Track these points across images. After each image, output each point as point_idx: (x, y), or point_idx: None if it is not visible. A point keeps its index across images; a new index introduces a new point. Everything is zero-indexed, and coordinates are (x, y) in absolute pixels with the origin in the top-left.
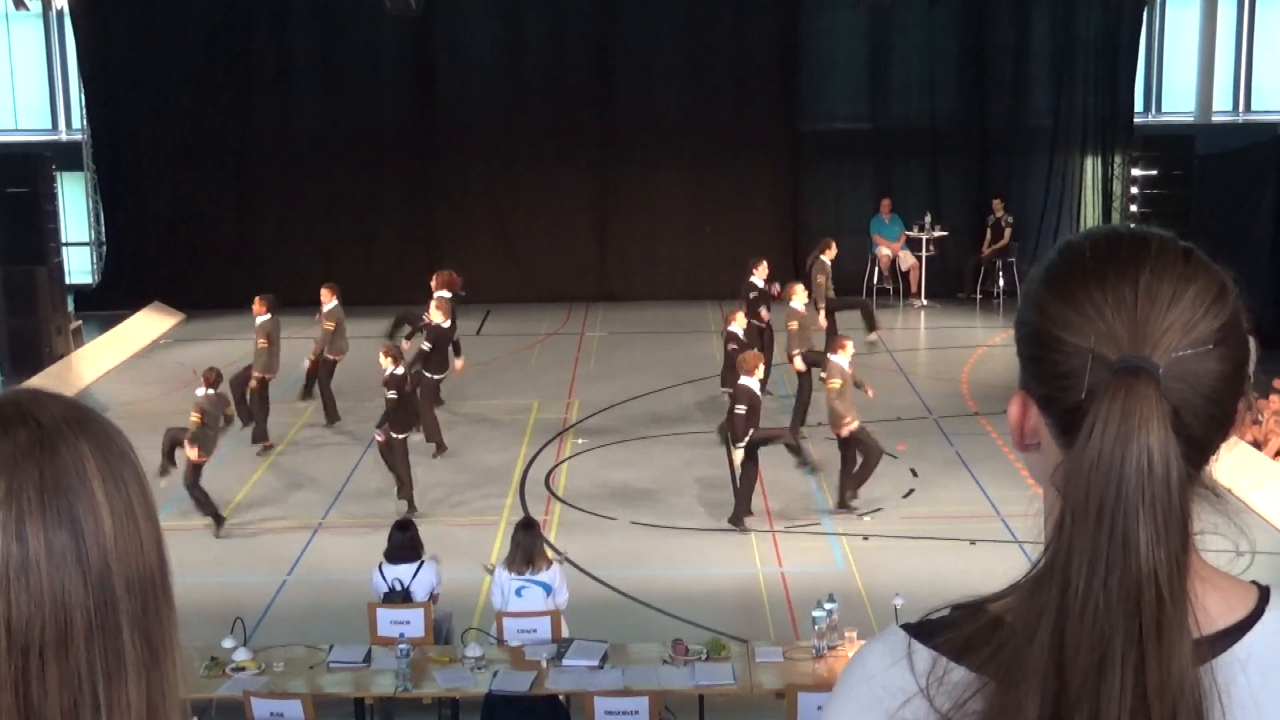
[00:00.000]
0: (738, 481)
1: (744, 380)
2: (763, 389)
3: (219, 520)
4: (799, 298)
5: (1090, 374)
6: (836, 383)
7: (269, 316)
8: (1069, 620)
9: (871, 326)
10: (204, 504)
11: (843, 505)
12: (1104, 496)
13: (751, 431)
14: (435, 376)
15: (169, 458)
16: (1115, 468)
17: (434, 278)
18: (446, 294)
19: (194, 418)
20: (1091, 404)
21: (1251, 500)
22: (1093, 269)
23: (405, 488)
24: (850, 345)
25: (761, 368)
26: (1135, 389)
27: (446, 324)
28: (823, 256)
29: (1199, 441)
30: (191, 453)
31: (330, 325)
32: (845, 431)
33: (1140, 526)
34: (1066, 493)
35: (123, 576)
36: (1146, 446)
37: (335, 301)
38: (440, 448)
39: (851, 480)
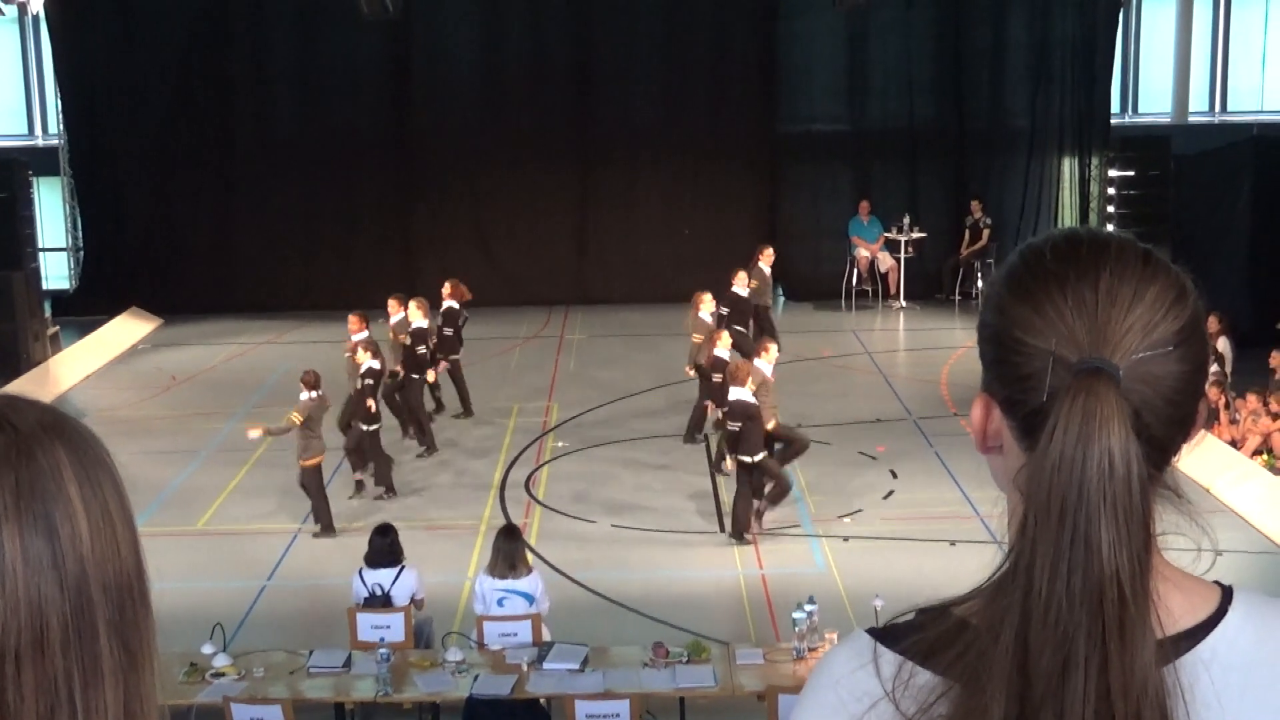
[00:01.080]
0: (759, 491)
1: (736, 394)
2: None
3: (329, 529)
4: (706, 308)
5: (1051, 376)
6: (752, 385)
7: (366, 334)
8: (1032, 622)
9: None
10: (319, 509)
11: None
12: (1066, 498)
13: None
14: (416, 376)
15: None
16: (1076, 469)
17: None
18: (454, 304)
19: (295, 417)
20: (1053, 406)
21: (1229, 499)
22: (1053, 271)
23: (383, 475)
24: (774, 349)
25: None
26: (1096, 391)
27: (424, 323)
28: (760, 263)
29: (1160, 442)
30: (305, 460)
31: (405, 338)
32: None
33: (1102, 528)
34: (1029, 495)
35: (99, 582)
36: (1107, 448)
37: (404, 313)
38: (430, 448)
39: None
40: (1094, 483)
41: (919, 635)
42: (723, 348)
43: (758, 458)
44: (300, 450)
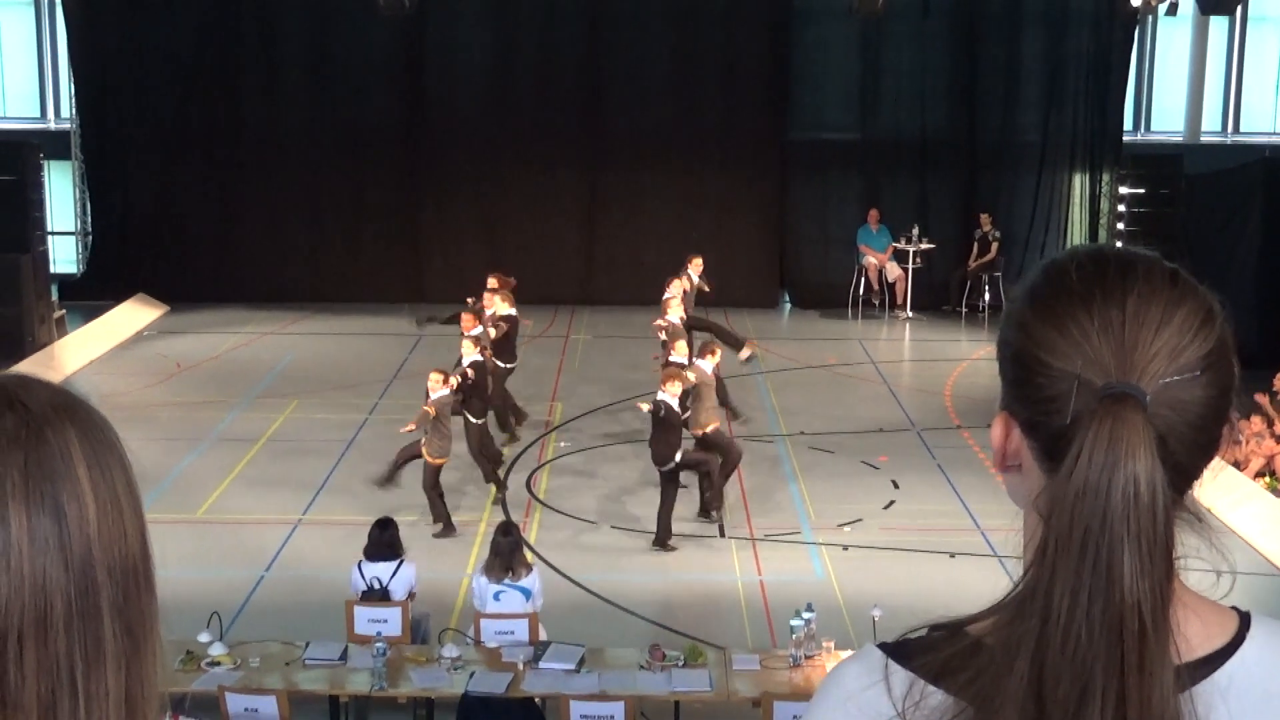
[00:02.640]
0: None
1: (661, 396)
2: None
3: (449, 527)
4: (674, 312)
5: (1076, 399)
6: (677, 388)
7: (480, 330)
8: (1050, 649)
9: (736, 347)
10: (436, 507)
11: (703, 514)
12: (1089, 525)
13: (680, 455)
14: (505, 365)
15: (398, 468)
16: (1101, 496)
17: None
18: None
19: (429, 410)
20: (1077, 430)
21: (1231, 521)
22: (1078, 291)
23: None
24: (719, 352)
25: (679, 384)
26: (1122, 416)
27: (513, 310)
28: (689, 271)
29: (1184, 468)
30: (428, 455)
31: (498, 330)
32: (700, 432)
33: (1125, 557)
34: (1050, 520)
35: (105, 564)
36: (1133, 475)
37: (479, 327)
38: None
39: (712, 488)
40: (1118, 511)
41: (932, 654)
42: (677, 355)
43: (664, 468)
44: (431, 449)
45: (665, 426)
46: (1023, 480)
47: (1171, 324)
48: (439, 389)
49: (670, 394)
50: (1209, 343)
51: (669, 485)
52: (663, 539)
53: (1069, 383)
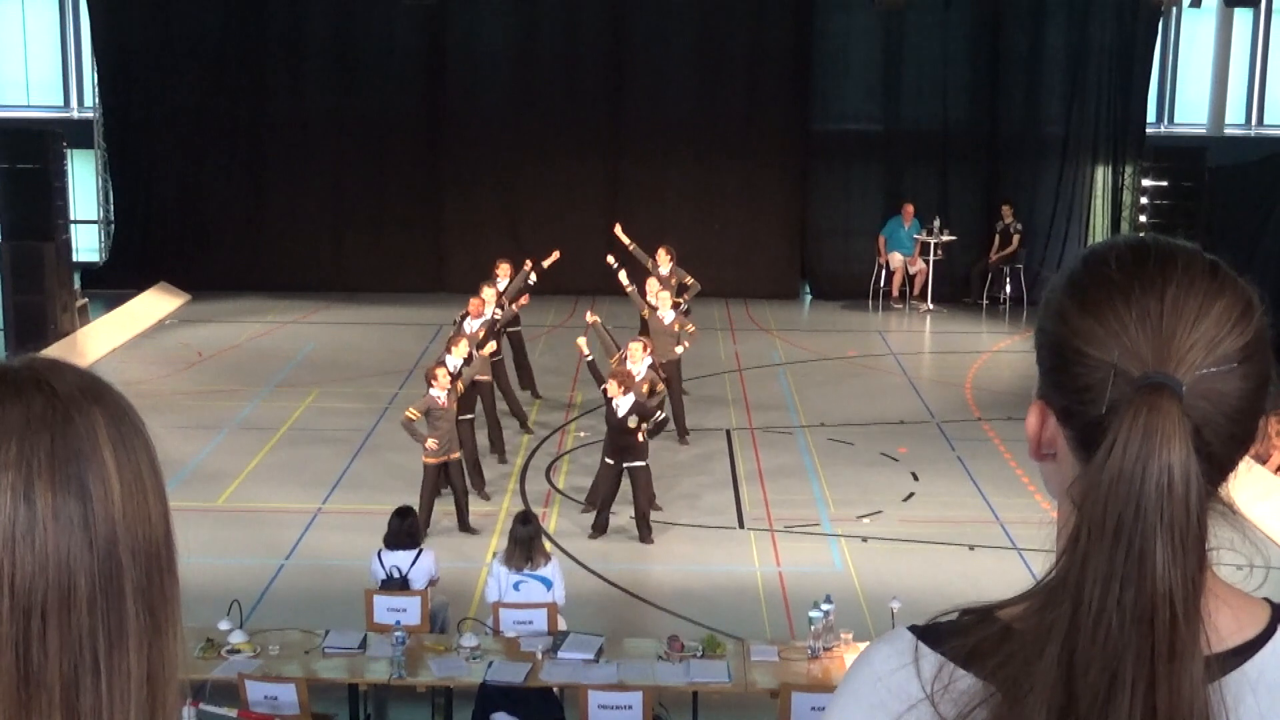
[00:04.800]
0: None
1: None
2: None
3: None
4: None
5: (1112, 389)
6: (619, 390)
7: (485, 318)
8: (1080, 637)
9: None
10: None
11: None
12: (1122, 514)
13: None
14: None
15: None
16: (1135, 486)
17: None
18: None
19: (411, 412)
20: (1113, 419)
21: (1253, 514)
22: (1118, 281)
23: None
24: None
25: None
26: (1158, 406)
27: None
28: (659, 264)
29: (1219, 460)
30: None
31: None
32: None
33: (1158, 546)
34: (1083, 508)
35: (129, 546)
36: (1168, 465)
37: (484, 316)
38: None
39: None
40: (1152, 500)
41: (962, 638)
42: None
43: (631, 465)
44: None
45: (616, 430)
46: (1057, 469)
47: (1209, 315)
48: (438, 390)
49: (617, 397)
50: (1247, 335)
51: (636, 480)
52: (644, 526)
53: (1105, 372)
